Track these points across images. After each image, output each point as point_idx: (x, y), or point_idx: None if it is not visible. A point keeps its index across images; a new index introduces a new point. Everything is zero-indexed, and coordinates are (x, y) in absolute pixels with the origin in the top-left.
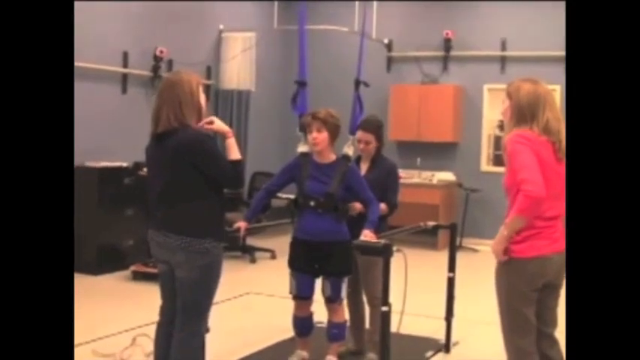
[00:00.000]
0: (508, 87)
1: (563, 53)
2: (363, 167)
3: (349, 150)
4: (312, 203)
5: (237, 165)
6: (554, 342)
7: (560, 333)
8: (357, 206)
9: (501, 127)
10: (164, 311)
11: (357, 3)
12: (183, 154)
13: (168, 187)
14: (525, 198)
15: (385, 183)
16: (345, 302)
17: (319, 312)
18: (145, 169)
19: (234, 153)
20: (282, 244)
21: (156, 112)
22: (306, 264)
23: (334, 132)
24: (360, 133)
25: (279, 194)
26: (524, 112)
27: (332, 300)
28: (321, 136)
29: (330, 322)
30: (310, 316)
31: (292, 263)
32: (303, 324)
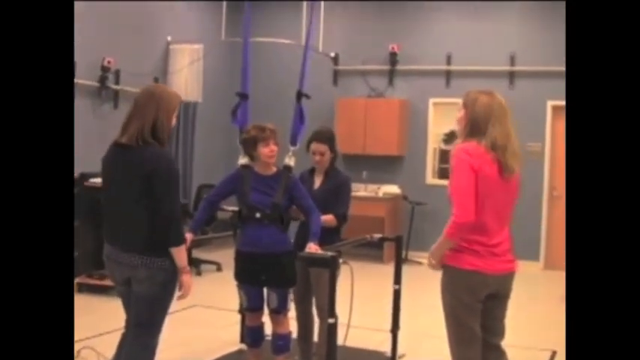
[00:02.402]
0: (465, 96)
1: (506, 68)
2: (317, 180)
3: (290, 161)
4: (257, 215)
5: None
6: (502, 353)
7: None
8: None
9: (447, 140)
10: (129, 324)
11: (303, 17)
12: (145, 173)
13: (129, 206)
14: (452, 224)
15: (337, 195)
16: (289, 314)
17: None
18: (94, 180)
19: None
20: (227, 256)
21: (126, 121)
22: (254, 276)
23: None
24: (314, 145)
25: (225, 206)
26: (477, 124)
27: (278, 311)
28: (276, 149)
29: (275, 333)
30: (262, 325)
31: (239, 276)
32: (255, 334)
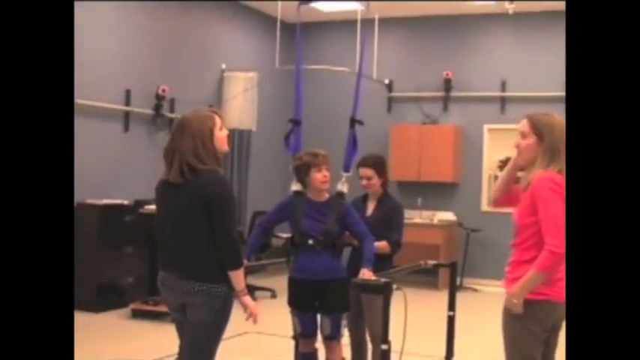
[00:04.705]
0: (535, 121)
1: (562, 94)
2: (370, 206)
3: (343, 187)
4: (310, 241)
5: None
6: None
7: None
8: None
9: (502, 167)
10: (182, 350)
11: (357, 44)
12: (200, 200)
13: (186, 234)
14: (550, 254)
15: (390, 222)
16: (342, 340)
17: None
18: (149, 207)
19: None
20: (282, 283)
21: (169, 156)
22: (307, 302)
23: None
24: (360, 170)
25: (279, 234)
26: (558, 150)
27: (331, 337)
28: (329, 175)
29: None
30: (315, 352)
31: (292, 302)
32: None
